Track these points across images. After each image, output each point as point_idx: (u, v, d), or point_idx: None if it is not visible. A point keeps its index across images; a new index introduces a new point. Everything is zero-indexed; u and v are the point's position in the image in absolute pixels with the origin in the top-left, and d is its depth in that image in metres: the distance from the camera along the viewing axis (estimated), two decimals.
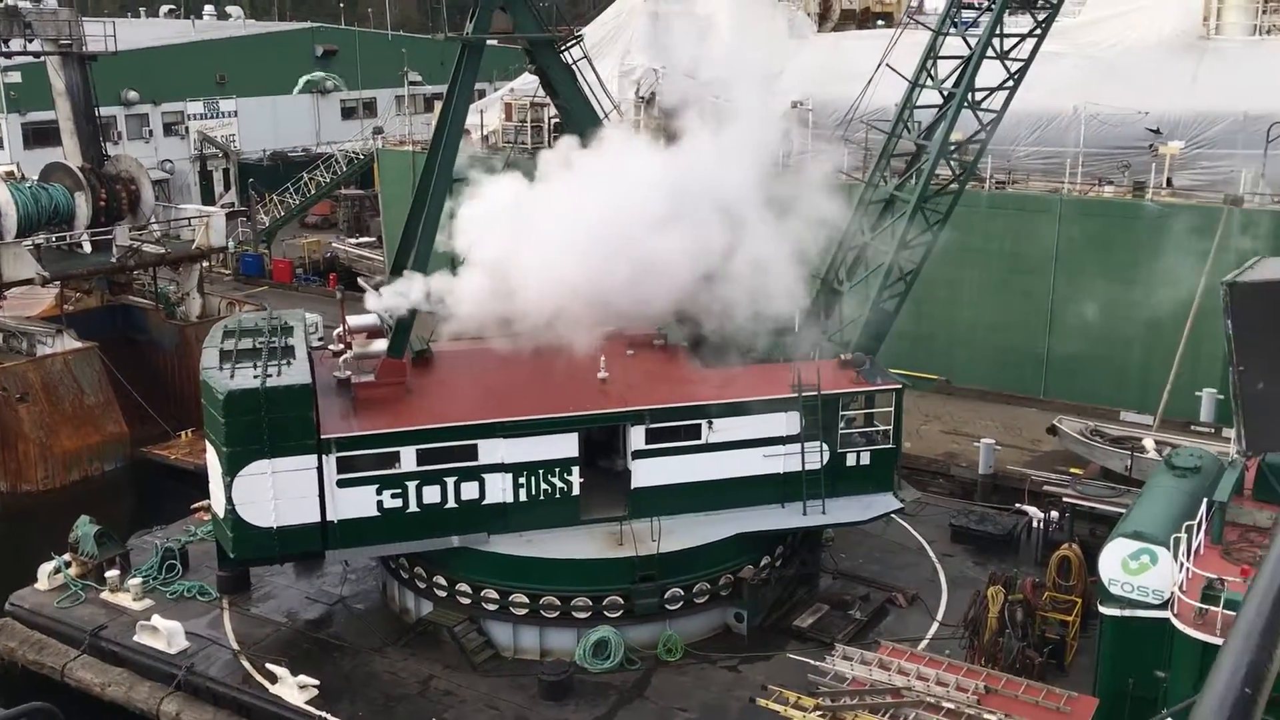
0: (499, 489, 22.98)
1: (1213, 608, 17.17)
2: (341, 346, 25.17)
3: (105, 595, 25.36)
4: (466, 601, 23.41)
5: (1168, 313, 33.02)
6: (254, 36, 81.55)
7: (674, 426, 23.61)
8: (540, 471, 23.10)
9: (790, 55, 46.13)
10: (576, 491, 23.40)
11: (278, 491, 21.58)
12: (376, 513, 22.44)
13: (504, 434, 22.81)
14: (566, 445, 23.21)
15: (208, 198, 69.00)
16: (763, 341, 24.80)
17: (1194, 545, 18.44)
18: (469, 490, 22.85)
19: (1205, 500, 19.41)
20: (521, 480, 23.05)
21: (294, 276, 57.56)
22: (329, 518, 22.20)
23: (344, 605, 25.39)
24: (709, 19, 51.00)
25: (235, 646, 23.57)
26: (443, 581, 23.60)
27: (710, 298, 23.95)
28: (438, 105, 59.64)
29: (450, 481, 22.72)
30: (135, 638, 23.62)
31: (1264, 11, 41.59)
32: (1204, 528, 18.97)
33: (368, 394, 23.58)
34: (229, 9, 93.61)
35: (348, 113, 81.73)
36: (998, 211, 37.34)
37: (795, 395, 23.59)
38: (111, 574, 25.51)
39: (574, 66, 26.10)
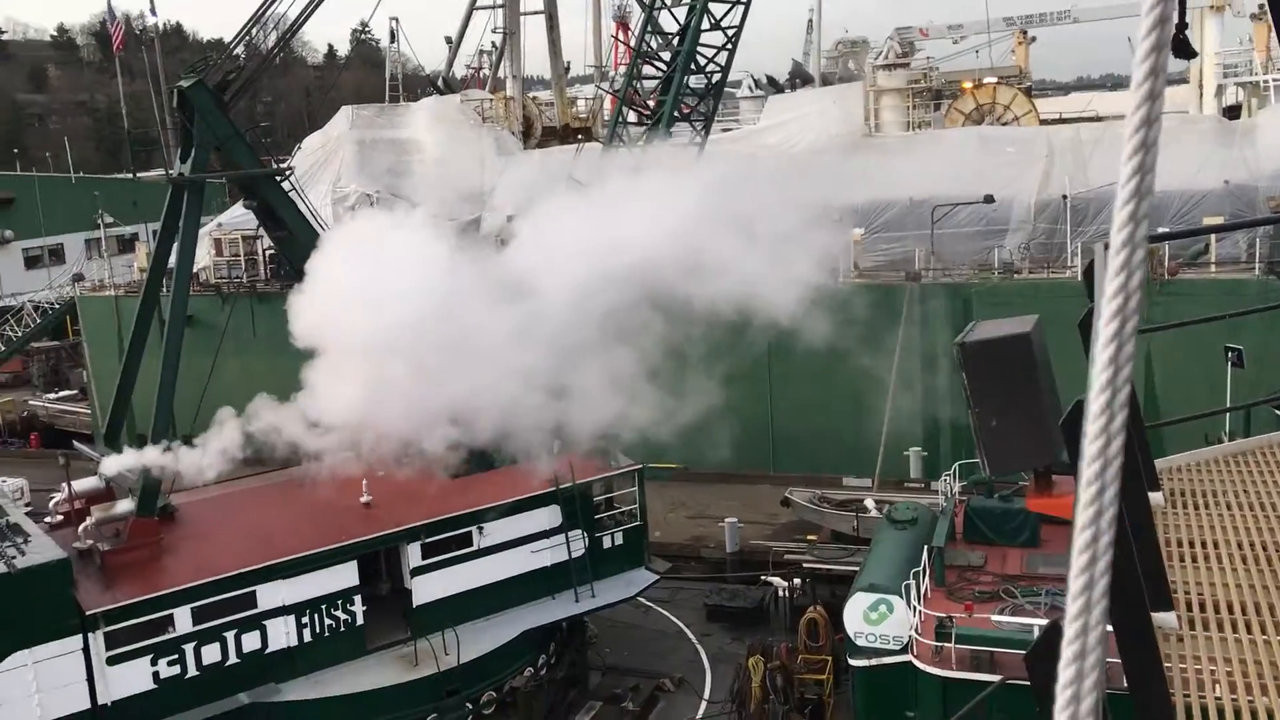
0: (282, 634, 22.37)
1: (946, 644, 18.99)
2: (61, 517, 23.63)
3: None
4: None
5: (870, 383, 36.17)
6: None
7: (448, 538, 23.88)
8: (324, 607, 22.75)
9: (500, 171, 47.75)
10: (361, 621, 23.11)
11: (41, 684, 19.83)
12: (153, 684, 21.19)
13: (283, 574, 22.25)
14: (347, 575, 23.01)
15: None
16: (513, 445, 25.36)
17: (922, 590, 20.35)
18: (250, 641, 22.09)
19: (925, 548, 21.49)
20: (305, 620, 22.53)
21: None
22: (100, 700, 20.63)
23: None
24: (416, 144, 52.23)
25: None
26: None
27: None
28: (139, 247, 57.43)
29: (230, 635, 21.90)
30: None
31: (913, 108, 47.26)
32: (928, 572, 20.97)
33: (120, 560, 22.39)
34: None
35: (31, 262, 76.36)
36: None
37: (555, 489, 24.45)
38: None
39: (292, 196, 26.29)
